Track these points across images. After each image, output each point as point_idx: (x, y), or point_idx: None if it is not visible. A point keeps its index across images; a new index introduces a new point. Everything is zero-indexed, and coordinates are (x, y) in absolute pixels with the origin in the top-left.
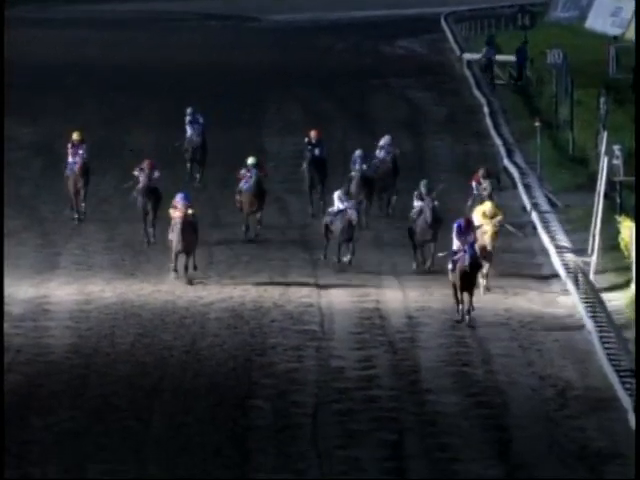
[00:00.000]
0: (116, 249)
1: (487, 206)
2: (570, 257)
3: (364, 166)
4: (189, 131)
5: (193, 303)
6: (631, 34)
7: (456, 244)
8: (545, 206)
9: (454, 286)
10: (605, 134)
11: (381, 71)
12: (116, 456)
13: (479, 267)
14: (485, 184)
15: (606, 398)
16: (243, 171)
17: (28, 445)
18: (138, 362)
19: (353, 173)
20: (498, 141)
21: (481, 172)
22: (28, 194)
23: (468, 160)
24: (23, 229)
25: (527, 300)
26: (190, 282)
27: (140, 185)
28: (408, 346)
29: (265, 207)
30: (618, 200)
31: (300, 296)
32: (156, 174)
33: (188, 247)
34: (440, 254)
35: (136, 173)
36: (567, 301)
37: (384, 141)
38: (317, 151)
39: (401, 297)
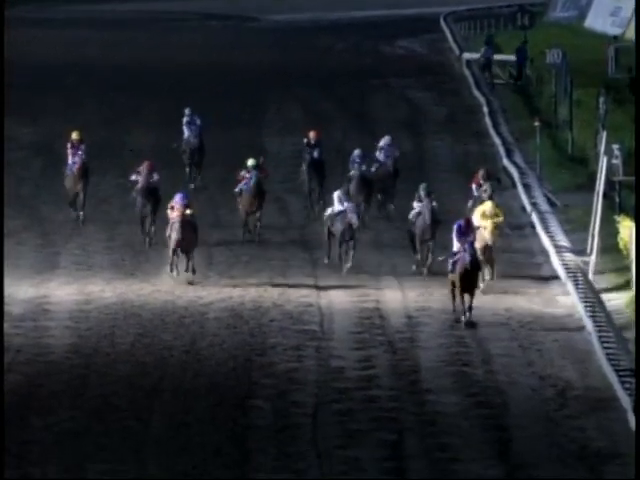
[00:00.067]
0: (116, 249)
1: (487, 206)
2: (570, 257)
3: (363, 167)
4: (186, 132)
5: (193, 303)
6: (631, 34)
7: (456, 245)
8: (544, 206)
9: (452, 285)
10: (604, 134)
11: (381, 71)
12: (116, 456)
13: (479, 267)
14: (485, 186)
15: (606, 398)
16: (243, 172)
17: (28, 445)
18: (138, 362)
19: (352, 173)
20: (497, 141)
21: (481, 174)
22: (28, 194)
23: (468, 160)
24: (23, 229)
25: (527, 300)
26: (190, 283)
27: (139, 185)
28: (408, 346)
29: (265, 207)
30: (617, 200)
31: (300, 296)
32: (155, 177)
33: (187, 246)
34: (440, 258)
35: (134, 177)
36: (567, 301)
37: (384, 142)
38: (316, 153)
39: (401, 297)
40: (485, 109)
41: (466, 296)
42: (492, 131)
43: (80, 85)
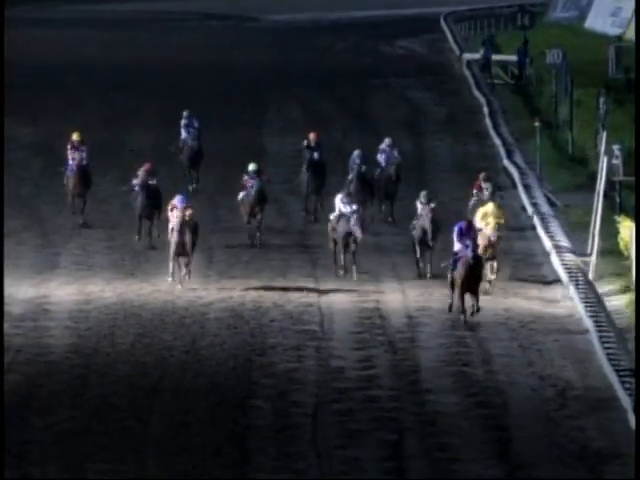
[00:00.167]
0: (116, 249)
1: (489, 207)
2: (570, 257)
3: (363, 167)
4: (184, 134)
5: (193, 303)
6: (631, 34)
7: (457, 246)
8: (545, 206)
9: (452, 284)
10: (604, 134)
11: (381, 71)
12: (116, 456)
13: (482, 264)
14: (486, 185)
15: (606, 398)
16: (246, 177)
17: (28, 445)
18: (138, 362)
19: (351, 174)
20: (498, 141)
21: (482, 176)
22: (28, 194)
23: (468, 160)
24: (23, 229)
25: (527, 300)
26: (181, 283)
27: (139, 181)
28: (408, 346)
29: (265, 208)
30: (618, 200)
31: (300, 296)
32: (154, 181)
33: (187, 249)
34: (442, 264)
35: (134, 182)
36: (567, 301)
37: (385, 144)
38: (316, 155)
39: (401, 297)
40: (485, 109)
41: (470, 295)
42: (492, 131)
43: (80, 85)
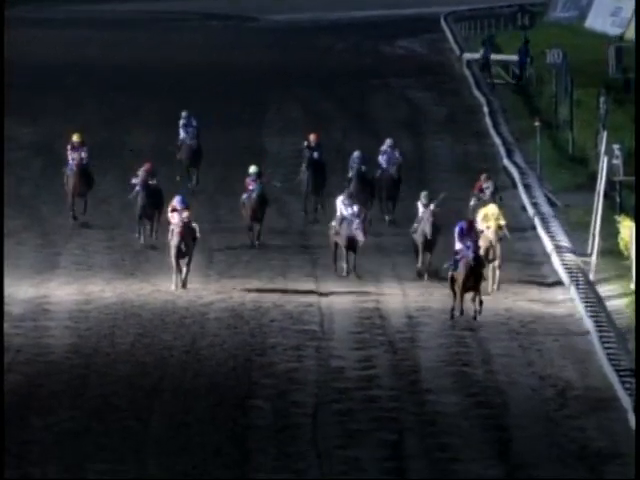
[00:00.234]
0: (116, 249)
1: (489, 209)
2: (570, 257)
3: (363, 167)
4: (182, 134)
5: (193, 303)
6: (631, 34)
7: (458, 246)
8: (545, 206)
9: (452, 284)
10: (605, 134)
11: (381, 71)
12: (116, 456)
13: (483, 264)
14: (487, 184)
15: (606, 398)
16: (248, 180)
17: (28, 445)
18: (138, 362)
19: (351, 174)
20: (498, 141)
21: (483, 177)
22: (28, 194)
23: (468, 160)
24: (23, 229)
25: (527, 300)
26: (183, 285)
27: (139, 180)
28: (408, 346)
29: (266, 211)
30: (618, 200)
31: (300, 296)
32: (154, 181)
33: (187, 252)
34: (444, 266)
35: (133, 181)
36: (567, 301)
37: (386, 145)
38: (316, 154)
39: (401, 297)
40: (485, 109)
41: (471, 295)
42: (492, 131)
43: (80, 85)
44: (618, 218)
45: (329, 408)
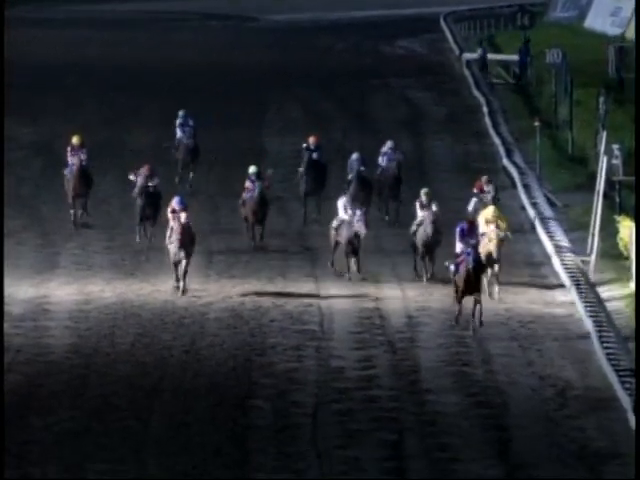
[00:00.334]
0: (116, 249)
1: (489, 211)
2: (570, 257)
3: (362, 168)
4: (179, 133)
5: (192, 303)
6: (631, 34)
7: (459, 247)
8: (544, 206)
9: (456, 289)
10: (604, 134)
11: (381, 71)
12: (116, 456)
13: (483, 268)
14: (488, 188)
15: (606, 398)
16: (248, 183)
17: (28, 445)
18: (138, 362)
19: (350, 176)
20: (497, 141)
21: (484, 179)
22: (28, 194)
23: (468, 160)
24: (23, 229)
25: (527, 300)
26: (184, 292)
27: (138, 185)
28: (408, 346)
29: (268, 212)
30: (617, 200)
31: (300, 296)
32: (155, 181)
33: (186, 255)
34: (446, 263)
35: (132, 177)
36: (567, 301)
37: (387, 146)
38: (315, 155)
39: (401, 297)
40: (485, 109)
41: (472, 301)
42: (492, 131)
43: (80, 85)
44: (618, 218)
45: (329, 408)
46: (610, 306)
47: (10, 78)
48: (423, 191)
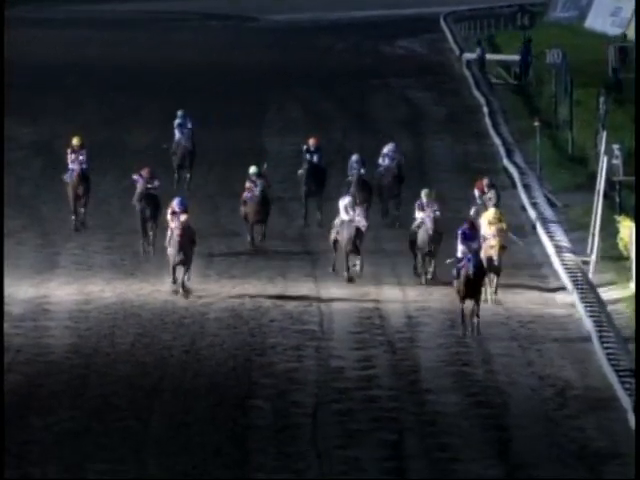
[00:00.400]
0: (116, 249)
1: (490, 213)
2: (570, 257)
3: (362, 170)
4: (177, 135)
5: (192, 303)
6: (631, 34)
7: (461, 250)
8: (545, 206)
9: (459, 294)
10: (604, 134)
11: (381, 71)
12: (116, 456)
13: (484, 274)
14: (490, 194)
15: (605, 398)
16: (248, 183)
17: (28, 445)
18: (138, 362)
19: (350, 177)
20: (497, 141)
21: (485, 181)
22: (28, 194)
23: (468, 160)
24: (23, 229)
25: (527, 300)
26: (186, 292)
27: (137, 191)
28: (408, 346)
29: (270, 212)
30: (617, 200)
31: (299, 296)
32: (156, 183)
33: (185, 261)
34: (448, 261)
35: (135, 177)
36: (567, 301)
37: (388, 149)
38: (315, 157)
39: (401, 297)
40: (485, 109)
41: (470, 304)
42: (492, 131)
43: (80, 85)
44: (618, 218)
45: (329, 408)
46: (610, 306)
47: (10, 78)
48: (424, 192)
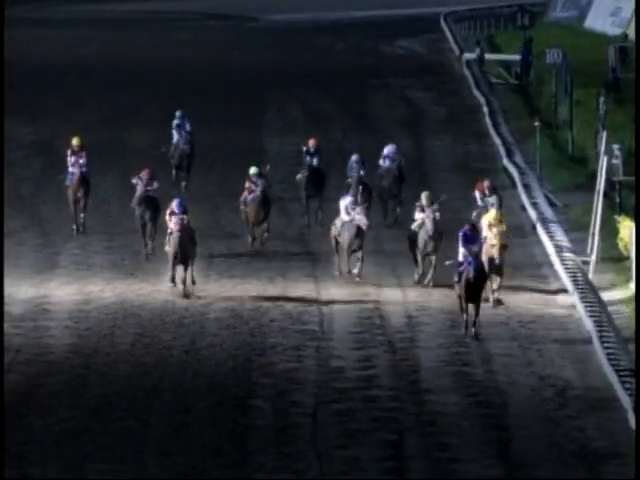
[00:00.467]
0: (116, 249)
1: (491, 214)
2: (570, 257)
3: (362, 171)
4: (175, 136)
5: (192, 303)
6: (632, 34)
7: (462, 252)
8: (544, 206)
9: (460, 297)
10: (604, 134)
11: (381, 71)
12: (116, 456)
13: (485, 278)
14: (492, 199)
15: (606, 398)
16: (248, 184)
17: (28, 445)
18: (138, 362)
19: (350, 179)
20: (498, 141)
21: (486, 184)
22: (28, 194)
23: (468, 160)
24: (23, 229)
25: (527, 300)
26: (187, 296)
27: (137, 194)
28: (408, 346)
29: (270, 213)
30: (617, 200)
31: (299, 296)
32: (155, 185)
33: (185, 259)
34: (447, 262)
35: (134, 181)
36: (567, 301)
37: (388, 150)
38: (315, 160)
39: (401, 297)
40: (485, 109)
41: (471, 308)
42: (492, 131)
43: (80, 85)
44: (618, 218)
45: (329, 408)
46: (610, 306)
47: (10, 78)
48: (424, 194)
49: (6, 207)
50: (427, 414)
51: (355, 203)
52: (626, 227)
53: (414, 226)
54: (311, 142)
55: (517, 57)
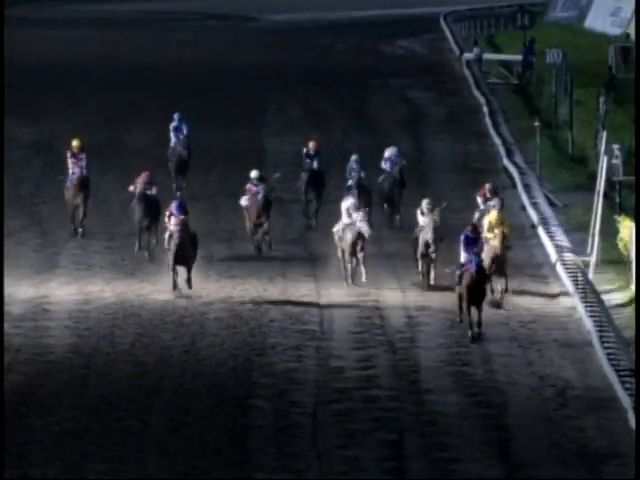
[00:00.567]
0: (116, 249)
1: (493, 215)
2: (570, 257)
3: (362, 174)
4: (173, 139)
5: (192, 303)
6: (633, 34)
7: (463, 256)
8: (544, 206)
9: (460, 298)
10: (604, 134)
11: (381, 71)
12: (116, 456)
13: (487, 277)
14: (494, 202)
15: (606, 398)
16: (249, 185)
17: (28, 445)
18: (138, 362)
19: (350, 182)
20: (498, 141)
21: (488, 187)
22: (28, 194)
23: (468, 160)
24: (23, 229)
25: (527, 300)
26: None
27: (136, 196)
28: (408, 346)
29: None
30: (617, 200)
31: (300, 295)
32: (154, 190)
33: (186, 260)
34: (447, 270)
35: (132, 189)
36: (567, 301)
37: (390, 153)
38: (315, 163)
39: (401, 297)
40: (485, 109)
41: (474, 309)
42: (492, 131)
43: (80, 85)
44: (618, 218)
45: (329, 408)
46: (610, 306)
47: (10, 78)
48: (425, 201)
49: (6, 207)
50: (427, 414)
51: (355, 206)
52: (626, 227)
53: (417, 230)
54: (311, 144)
55: (518, 57)
